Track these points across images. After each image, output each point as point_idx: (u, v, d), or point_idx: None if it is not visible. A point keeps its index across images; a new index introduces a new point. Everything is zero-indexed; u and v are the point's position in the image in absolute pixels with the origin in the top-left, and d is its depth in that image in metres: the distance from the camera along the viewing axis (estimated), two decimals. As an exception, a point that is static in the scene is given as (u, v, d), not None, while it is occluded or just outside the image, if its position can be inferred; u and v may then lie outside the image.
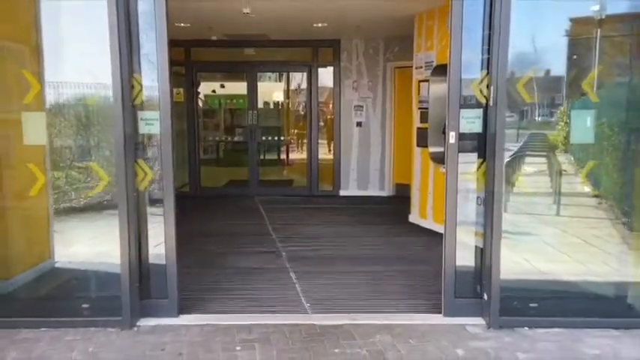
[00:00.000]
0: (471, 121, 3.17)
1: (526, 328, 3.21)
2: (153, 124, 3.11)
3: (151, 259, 3.37)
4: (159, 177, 3.16)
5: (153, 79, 3.10)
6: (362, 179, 8.29)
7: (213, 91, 9.27)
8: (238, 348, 2.96)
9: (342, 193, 8.28)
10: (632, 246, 3.59)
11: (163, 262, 3.30)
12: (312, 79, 8.36)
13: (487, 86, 3.18)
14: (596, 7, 3.31)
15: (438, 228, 4.84)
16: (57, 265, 3.70)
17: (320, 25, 6.99)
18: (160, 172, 3.14)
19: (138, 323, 3.26)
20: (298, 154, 9.26)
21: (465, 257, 3.42)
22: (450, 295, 3.37)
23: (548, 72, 3.61)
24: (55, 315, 3.26)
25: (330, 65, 8.26)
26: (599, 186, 3.76)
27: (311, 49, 8.32)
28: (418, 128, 6.11)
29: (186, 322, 3.31)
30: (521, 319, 3.27)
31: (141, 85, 3.11)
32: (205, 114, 9.27)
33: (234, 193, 8.45)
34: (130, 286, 3.19)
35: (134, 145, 3.13)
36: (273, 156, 9.45)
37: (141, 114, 3.13)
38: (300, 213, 7.05)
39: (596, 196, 3.79)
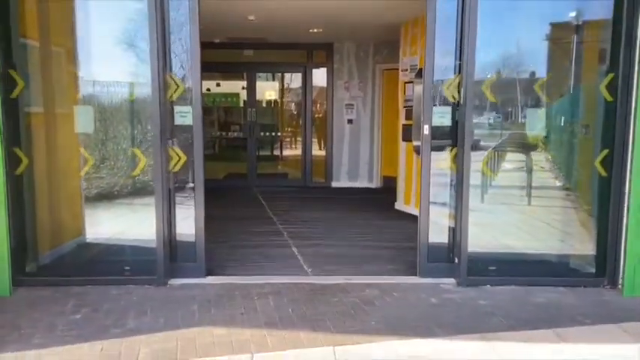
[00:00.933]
0: (441, 116, 3.89)
1: (488, 286, 3.94)
2: (186, 116, 3.78)
3: (179, 230, 4.04)
4: (190, 160, 3.84)
5: (186, 78, 3.78)
6: (352, 172, 9.01)
7: (208, 90, 9.71)
8: (255, 298, 3.64)
9: (334, 184, 8.99)
10: (588, 228, 4.27)
11: (191, 232, 3.98)
12: (306, 79, 9.06)
13: (458, 87, 3.90)
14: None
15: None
16: (99, 236, 4.35)
17: (315, 30, 7.69)
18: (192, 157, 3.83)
19: (169, 282, 3.93)
20: (293, 149, 9.94)
21: (441, 231, 4.15)
22: (424, 259, 4.08)
23: (509, 75, 4.34)
24: (102, 275, 3.92)
25: (324, 66, 8.97)
26: (569, 178, 4.46)
27: (306, 51, 9.03)
28: (403, 125, 6.83)
29: (209, 281, 3.98)
30: (485, 279, 3.98)
31: (177, 84, 3.78)
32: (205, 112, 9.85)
33: (234, 185, 9.11)
34: (163, 250, 3.86)
35: (170, 133, 3.81)
36: (269, 151, 10.10)
37: (176, 108, 3.80)
38: (296, 202, 7.73)
39: (567, 189, 4.49)
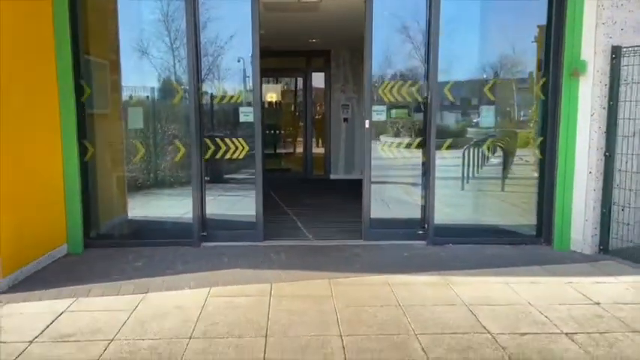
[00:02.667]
0: (379, 114, 5.02)
1: (450, 245, 5.05)
2: (249, 115, 4.92)
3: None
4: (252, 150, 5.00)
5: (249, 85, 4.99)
6: (348, 165, 10.12)
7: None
8: (272, 254, 4.76)
9: (332, 176, 10.11)
10: (532, 203, 5.35)
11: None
12: (307, 82, 10.20)
13: (427, 89, 5.01)
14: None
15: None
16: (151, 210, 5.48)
17: (314, 40, 8.82)
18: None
19: (202, 245, 5.04)
20: (296, 145, 11.06)
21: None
22: (367, 224, 5.17)
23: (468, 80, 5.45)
24: (157, 236, 5.05)
25: (322, 71, 10.09)
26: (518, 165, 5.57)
27: (305, 58, 10.15)
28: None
29: (237, 244, 5.07)
30: (449, 239, 5.09)
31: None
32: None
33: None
34: (198, 217, 4.98)
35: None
36: (273, 149, 11.19)
37: (241, 109, 4.97)
38: (299, 191, 8.84)
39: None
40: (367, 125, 5.07)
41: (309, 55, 10.07)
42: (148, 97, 5.42)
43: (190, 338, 3.06)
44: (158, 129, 5.33)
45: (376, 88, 5.09)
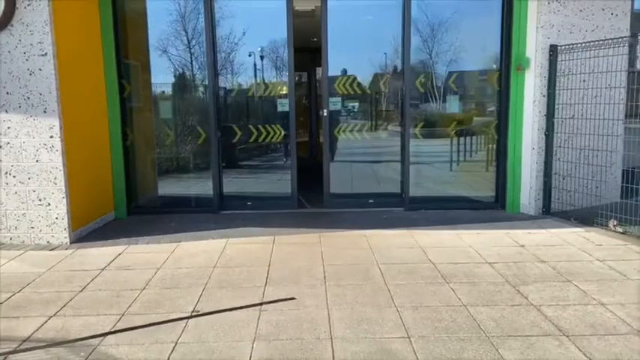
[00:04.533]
0: (334, 104, 6.15)
1: (423, 210, 6.17)
2: (285, 105, 6.10)
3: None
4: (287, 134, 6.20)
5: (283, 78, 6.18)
6: (349, 150, 11.22)
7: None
8: (277, 218, 5.94)
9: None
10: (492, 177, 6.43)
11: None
12: (311, 76, 11.32)
13: (402, 82, 6.11)
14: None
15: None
16: (177, 188, 6.67)
17: (316, 39, 9.90)
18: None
19: (221, 212, 6.23)
20: (302, 135, 12.18)
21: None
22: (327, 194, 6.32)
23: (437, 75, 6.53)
24: (184, 207, 6.26)
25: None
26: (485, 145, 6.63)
27: (310, 54, 11.24)
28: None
29: (246, 211, 6.27)
30: (422, 205, 6.22)
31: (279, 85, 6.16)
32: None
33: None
34: (217, 192, 6.17)
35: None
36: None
37: (279, 100, 6.13)
38: (305, 172, 9.97)
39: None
40: (325, 114, 6.22)
41: (313, 52, 11.16)
42: (173, 91, 6.59)
43: (214, 267, 4.25)
44: (183, 119, 6.51)
45: (332, 83, 6.22)
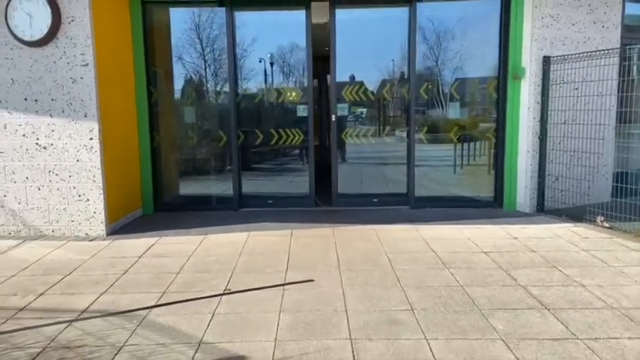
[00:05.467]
0: (342, 110, 6.66)
1: (427, 208, 6.67)
2: (304, 111, 6.63)
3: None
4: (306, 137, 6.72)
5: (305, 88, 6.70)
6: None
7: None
8: (292, 215, 6.45)
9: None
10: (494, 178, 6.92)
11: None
12: (322, 83, 11.87)
13: (408, 90, 6.62)
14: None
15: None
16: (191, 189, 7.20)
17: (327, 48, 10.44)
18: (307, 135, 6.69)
19: (241, 210, 6.75)
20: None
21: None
22: (335, 193, 6.83)
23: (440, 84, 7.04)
24: (206, 206, 6.78)
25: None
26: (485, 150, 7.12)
27: (321, 62, 11.79)
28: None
29: (264, 208, 6.78)
30: (426, 204, 6.72)
31: (295, 92, 6.69)
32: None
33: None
34: (237, 191, 6.69)
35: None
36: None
37: (298, 107, 6.67)
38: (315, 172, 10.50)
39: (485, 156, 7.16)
40: (333, 119, 6.73)
41: (325, 60, 11.70)
42: (197, 97, 7.13)
43: (239, 255, 4.77)
44: (205, 123, 7.05)
45: (340, 90, 6.74)
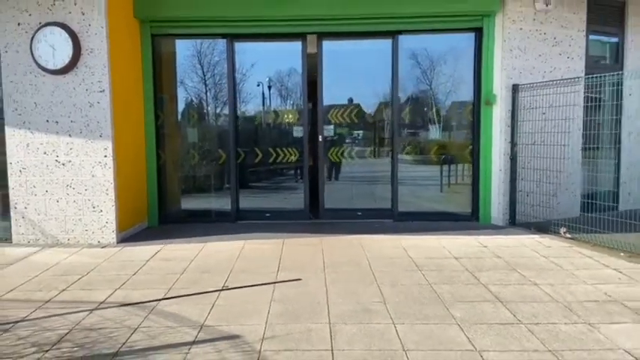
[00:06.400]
0: (329, 132, 7.30)
1: (409, 221, 7.26)
2: (299, 132, 7.27)
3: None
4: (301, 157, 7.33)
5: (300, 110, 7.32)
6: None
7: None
8: (287, 226, 7.03)
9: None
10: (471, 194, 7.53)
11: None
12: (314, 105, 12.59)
13: (391, 114, 7.28)
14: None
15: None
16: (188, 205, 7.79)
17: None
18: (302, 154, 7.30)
19: (238, 222, 7.33)
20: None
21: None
22: (322, 208, 7.44)
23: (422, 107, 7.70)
24: (205, 219, 7.37)
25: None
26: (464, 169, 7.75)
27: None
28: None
29: (263, 221, 7.37)
30: (408, 218, 7.30)
31: (292, 114, 7.33)
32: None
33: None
34: (235, 206, 7.29)
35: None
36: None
37: (294, 128, 7.31)
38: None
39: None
40: (320, 139, 7.37)
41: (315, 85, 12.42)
42: (197, 120, 7.79)
43: (236, 259, 5.34)
44: (205, 143, 7.68)
45: (325, 114, 7.40)
